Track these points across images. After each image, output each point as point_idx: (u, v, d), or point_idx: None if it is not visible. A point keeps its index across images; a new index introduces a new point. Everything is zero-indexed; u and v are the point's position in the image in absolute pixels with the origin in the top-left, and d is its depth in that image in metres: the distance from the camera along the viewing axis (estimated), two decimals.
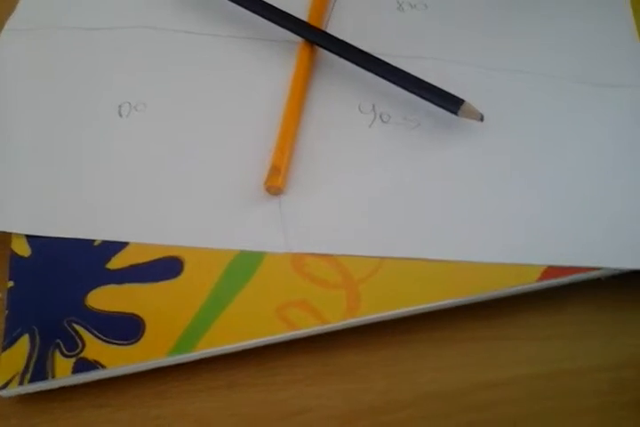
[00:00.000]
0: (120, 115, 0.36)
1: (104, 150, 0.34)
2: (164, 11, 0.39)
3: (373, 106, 0.35)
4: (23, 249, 0.32)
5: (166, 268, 0.31)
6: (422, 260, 0.30)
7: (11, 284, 0.31)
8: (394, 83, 0.34)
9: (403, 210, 0.31)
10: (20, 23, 0.40)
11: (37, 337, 0.30)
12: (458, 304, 0.29)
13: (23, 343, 0.30)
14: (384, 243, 0.31)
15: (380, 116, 0.34)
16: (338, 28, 0.37)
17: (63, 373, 0.29)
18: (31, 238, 0.32)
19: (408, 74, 0.34)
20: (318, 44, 0.36)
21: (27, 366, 0.29)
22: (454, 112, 0.33)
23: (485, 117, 0.33)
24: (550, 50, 0.35)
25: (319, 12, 0.38)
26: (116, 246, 0.32)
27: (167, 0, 0.40)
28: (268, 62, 0.37)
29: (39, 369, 0.29)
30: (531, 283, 0.29)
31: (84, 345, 0.29)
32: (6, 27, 0.39)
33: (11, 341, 0.30)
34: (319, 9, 0.38)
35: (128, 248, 0.32)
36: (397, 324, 0.29)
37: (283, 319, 0.29)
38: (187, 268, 0.31)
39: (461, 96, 0.33)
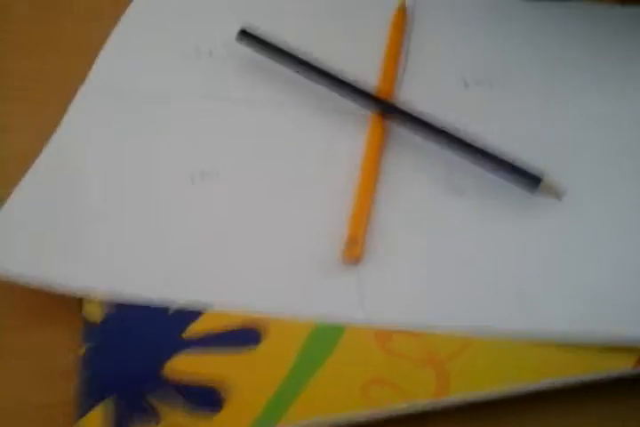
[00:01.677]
0: (192, 182, 0.36)
1: (179, 218, 0.34)
2: (233, 78, 0.40)
3: (447, 178, 0.35)
4: (96, 314, 0.31)
5: (244, 338, 0.30)
6: (508, 337, 0.29)
7: (85, 348, 0.30)
8: (468, 158, 0.35)
9: (486, 283, 0.31)
10: (93, 88, 0.40)
11: (116, 406, 0.29)
12: (551, 387, 0.29)
13: (100, 413, 0.29)
14: (469, 317, 0.30)
15: (454, 188, 0.34)
16: (406, 99, 0.38)
17: None
18: (105, 303, 0.32)
19: (482, 149, 0.34)
20: (391, 119, 0.36)
21: None
22: (531, 190, 0.33)
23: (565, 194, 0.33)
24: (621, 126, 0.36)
25: (389, 84, 0.39)
26: (191, 315, 0.31)
27: (233, 68, 0.40)
28: (340, 132, 0.37)
29: None
30: (627, 367, 0.28)
31: (162, 417, 0.29)
32: (80, 91, 0.40)
33: (87, 408, 0.29)
34: (388, 82, 0.39)
35: (203, 317, 0.31)
36: (486, 406, 0.29)
37: (369, 397, 0.28)
38: (265, 338, 0.30)
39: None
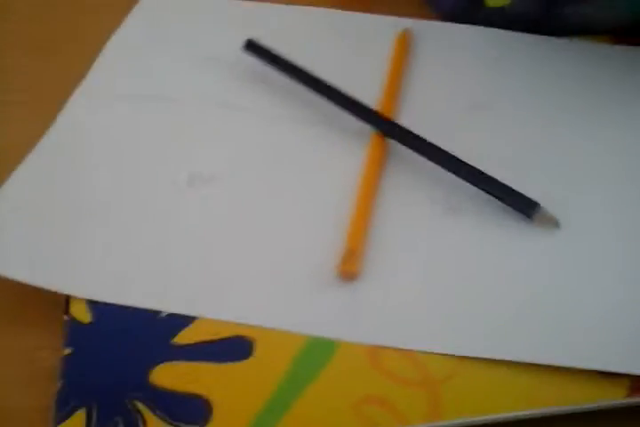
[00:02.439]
0: (190, 185, 0.35)
1: (173, 224, 0.34)
2: (234, 86, 0.40)
3: (446, 198, 0.35)
4: (83, 315, 0.30)
5: (235, 348, 0.30)
6: (501, 362, 0.29)
7: (68, 351, 0.29)
8: (467, 180, 0.35)
9: (481, 306, 0.31)
10: (91, 89, 0.39)
11: (95, 413, 0.28)
12: (544, 414, 0.28)
13: (80, 418, 0.28)
14: (465, 341, 0.30)
15: (452, 209, 0.34)
16: (406, 119, 0.38)
17: None
18: (93, 304, 0.31)
19: (482, 174, 0.34)
20: (392, 137, 0.36)
21: None
22: (529, 217, 0.33)
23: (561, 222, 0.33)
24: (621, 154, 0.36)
25: (390, 104, 0.39)
26: (182, 321, 0.30)
27: (236, 77, 0.40)
28: (340, 148, 0.37)
29: None
30: (620, 398, 0.28)
31: (144, 425, 0.27)
32: (76, 92, 0.39)
33: (66, 414, 0.28)
34: (390, 101, 0.39)
35: (195, 324, 0.30)
36: None
37: (360, 416, 0.28)
38: (256, 350, 0.30)
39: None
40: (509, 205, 0.34)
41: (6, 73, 0.42)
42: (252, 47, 0.39)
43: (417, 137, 0.36)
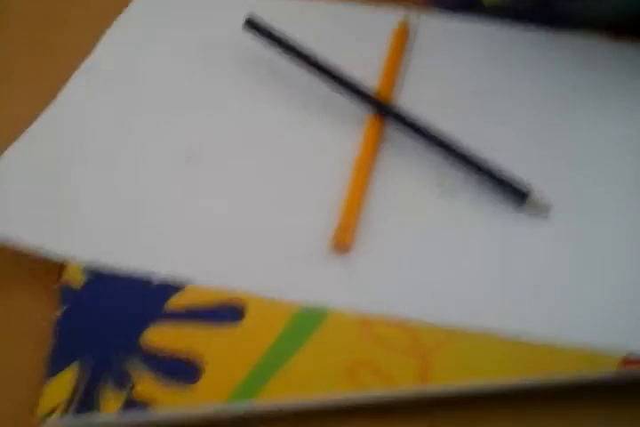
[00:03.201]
0: (184, 161, 0.36)
1: (168, 194, 0.34)
2: (233, 69, 0.40)
3: (441, 180, 0.35)
4: (77, 278, 0.31)
5: (226, 313, 0.30)
6: (494, 334, 0.29)
7: (61, 311, 0.30)
8: (461, 165, 0.35)
9: (469, 281, 0.31)
10: (93, 67, 0.40)
11: (87, 368, 0.28)
12: (534, 386, 0.28)
13: (72, 373, 0.28)
14: (455, 311, 0.30)
15: (448, 191, 0.35)
16: (403, 104, 0.38)
17: (111, 408, 0.27)
18: (87, 270, 0.31)
19: (477, 159, 0.35)
20: (388, 120, 0.37)
21: (73, 397, 0.27)
22: (519, 203, 0.34)
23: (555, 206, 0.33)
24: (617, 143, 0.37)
25: (388, 88, 0.39)
26: (173, 287, 0.31)
27: (235, 60, 0.41)
28: (337, 130, 0.38)
29: (86, 401, 0.27)
30: (609, 370, 0.28)
31: (135, 383, 0.28)
32: (80, 68, 0.40)
33: (58, 368, 0.28)
34: (388, 86, 0.39)
35: (187, 289, 0.31)
36: (468, 400, 0.29)
37: (351, 379, 0.28)
38: (248, 315, 0.30)
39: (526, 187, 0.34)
40: (501, 192, 0.34)
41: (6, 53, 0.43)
42: (252, 25, 0.40)
43: (413, 120, 0.36)
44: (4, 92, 0.40)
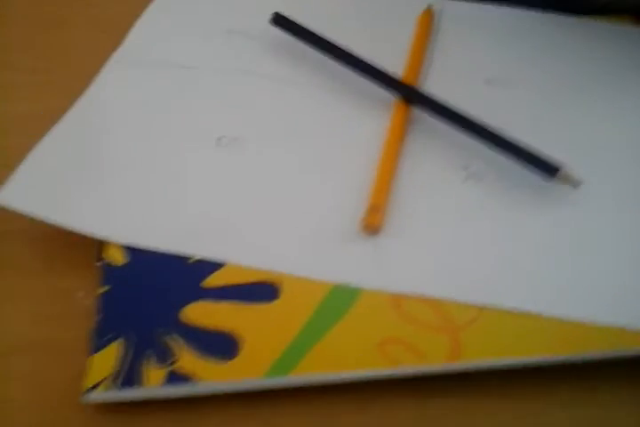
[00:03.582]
0: (219, 145, 0.36)
1: (205, 176, 0.35)
2: (262, 56, 0.41)
3: (468, 163, 0.36)
4: (118, 257, 0.32)
5: (262, 291, 0.31)
6: (523, 312, 0.30)
7: (105, 289, 0.31)
8: (489, 146, 0.36)
9: (498, 261, 0.32)
10: (126, 56, 0.41)
11: (130, 344, 0.29)
12: (564, 362, 0.29)
13: (116, 348, 0.29)
14: (484, 290, 0.31)
15: (475, 174, 0.35)
16: (429, 88, 0.39)
17: (155, 382, 0.28)
18: (127, 249, 0.32)
19: (504, 137, 0.35)
20: (414, 104, 0.38)
21: (118, 371, 0.28)
22: (550, 177, 0.34)
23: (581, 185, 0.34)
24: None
25: (413, 73, 0.40)
26: (211, 266, 0.32)
27: (264, 48, 0.41)
28: (364, 115, 0.38)
29: (131, 375, 0.28)
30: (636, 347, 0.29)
31: (177, 358, 0.29)
32: (113, 59, 0.41)
33: (103, 344, 0.29)
34: (413, 71, 0.40)
35: (224, 269, 0.32)
36: (498, 375, 0.30)
37: (384, 355, 0.29)
38: (283, 294, 0.31)
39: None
40: (530, 168, 0.35)
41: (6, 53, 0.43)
42: (280, 20, 0.41)
43: (438, 103, 0.37)
44: (4, 91, 0.41)
